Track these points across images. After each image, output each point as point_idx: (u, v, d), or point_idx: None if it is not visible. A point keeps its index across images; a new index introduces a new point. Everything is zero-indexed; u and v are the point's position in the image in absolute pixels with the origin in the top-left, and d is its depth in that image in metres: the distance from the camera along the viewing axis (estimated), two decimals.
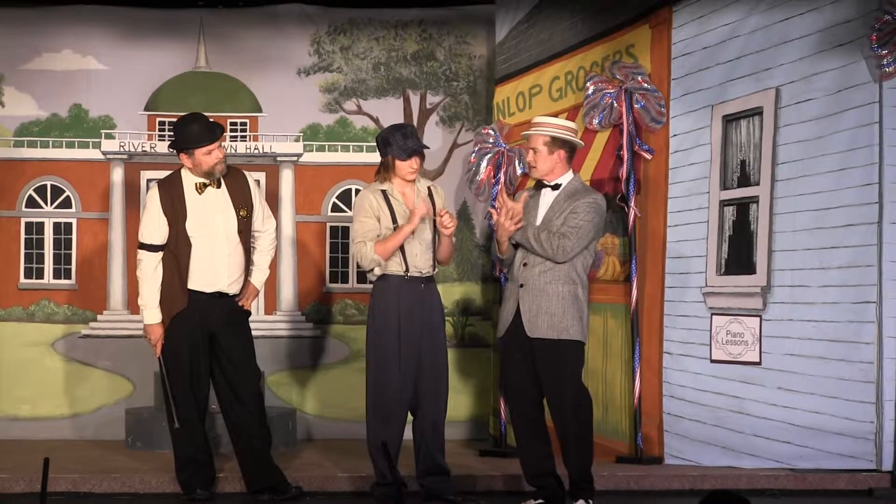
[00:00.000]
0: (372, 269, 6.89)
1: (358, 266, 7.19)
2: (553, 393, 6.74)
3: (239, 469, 7.21)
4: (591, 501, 6.74)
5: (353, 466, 7.77)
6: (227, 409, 7.15)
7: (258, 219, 7.19)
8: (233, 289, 7.08)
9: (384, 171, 6.90)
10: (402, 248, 6.83)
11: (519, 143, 8.77)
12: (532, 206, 6.88)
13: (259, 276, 7.25)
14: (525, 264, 6.79)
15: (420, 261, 6.87)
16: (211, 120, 7.12)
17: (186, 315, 6.99)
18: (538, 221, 6.79)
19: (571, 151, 6.87)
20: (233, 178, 7.13)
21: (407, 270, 6.86)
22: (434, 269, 6.97)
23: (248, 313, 7.22)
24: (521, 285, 6.77)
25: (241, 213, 7.09)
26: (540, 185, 6.90)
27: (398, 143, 6.85)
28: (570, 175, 6.87)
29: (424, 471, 6.93)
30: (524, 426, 6.87)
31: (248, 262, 7.17)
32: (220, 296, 7.05)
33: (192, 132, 6.99)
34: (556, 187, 6.83)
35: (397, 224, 6.83)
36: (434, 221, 6.90)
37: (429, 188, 7.01)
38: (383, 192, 6.88)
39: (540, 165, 6.84)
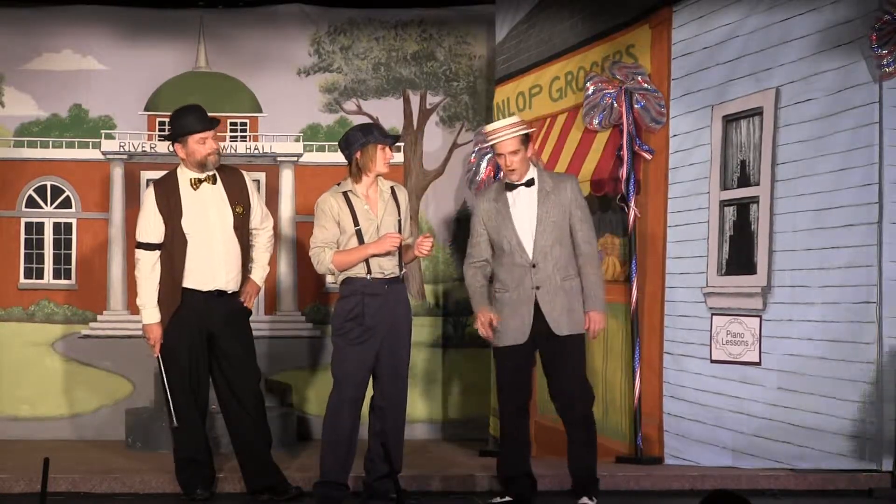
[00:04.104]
0: (332, 274, 6.92)
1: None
2: (571, 387, 6.80)
3: (239, 469, 7.21)
4: (594, 499, 6.77)
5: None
6: (227, 409, 7.15)
7: (256, 217, 7.18)
8: (231, 286, 7.07)
9: (356, 171, 6.86)
10: None
11: None
12: (502, 210, 6.83)
13: (259, 273, 7.24)
14: (535, 265, 6.77)
15: (384, 261, 6.83)
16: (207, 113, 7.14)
17: (184, 315, 6.99)
18: (525, 223, 6.78)
19: None
20: (228, 174, 7.14)
21: (369, 272, 6.84)
22: (401, 271, 6.93)
23: (249, 312, 7.21)
24: (537, 287, 6.77)
25: (237, 210, 7.08)
26: (510, 187, 6.87)
27: (380, 130, 6.90)
28: (533, 167, 6.89)
29: (378, 470, 6.91)
30: (513, 429, 6.91)
31: (247, 260, 7.16)
32: (219, 294, 7.04)
33: (186, 120, 7.01)
34: (529, 183, 6.83)
35: (359, 226, 6.81)
36: (399, 223, 6.89)
37: (391, 188, 6.98)
38: (345, 193, 6.85)
39: (519, 166, 6.82)
